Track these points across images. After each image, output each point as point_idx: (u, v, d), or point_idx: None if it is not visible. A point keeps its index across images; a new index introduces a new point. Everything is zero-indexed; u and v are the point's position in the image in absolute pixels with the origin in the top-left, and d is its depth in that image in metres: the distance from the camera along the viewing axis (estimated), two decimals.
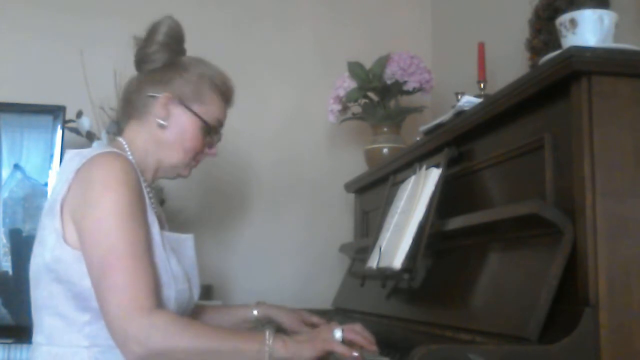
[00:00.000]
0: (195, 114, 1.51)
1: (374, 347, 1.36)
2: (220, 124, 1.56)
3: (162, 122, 1.49)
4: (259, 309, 1.76)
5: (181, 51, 1.58)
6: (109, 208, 1.32)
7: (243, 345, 1.28)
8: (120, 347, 1.27)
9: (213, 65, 1.57)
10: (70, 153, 1.45)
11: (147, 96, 1.51)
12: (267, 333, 1.29)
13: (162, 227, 1.47)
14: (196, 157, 1.55)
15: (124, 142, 1.51)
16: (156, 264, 1.38)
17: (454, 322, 1.41)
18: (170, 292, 1.40)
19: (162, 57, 1.53)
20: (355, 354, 1.29)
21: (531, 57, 1.94)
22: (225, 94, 1.56)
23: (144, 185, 1.44)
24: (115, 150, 1.44)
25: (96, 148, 1.47)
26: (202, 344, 1.27)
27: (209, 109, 1.52)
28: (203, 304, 1.86)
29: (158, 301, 1.32)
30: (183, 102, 1.50)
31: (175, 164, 1.53)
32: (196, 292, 1.53)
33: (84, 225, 1.33)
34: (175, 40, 1.55)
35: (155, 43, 1.53)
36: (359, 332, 1.36)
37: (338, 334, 1.32)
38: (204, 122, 1.51)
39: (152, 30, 1.54)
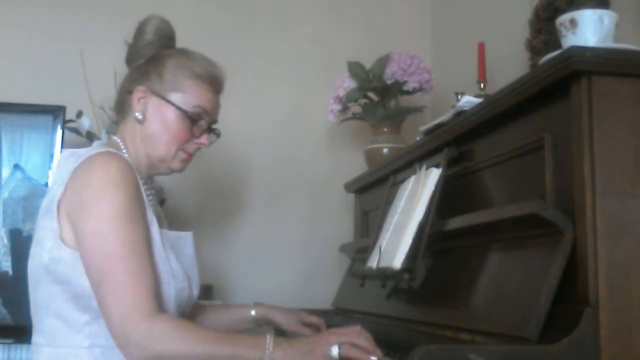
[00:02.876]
0: (171, 102, 1.48)
1: (372, 358, 1.29)
2: (205, 111, 1.51)
3: (138, 115, 1.49)
4: (257, 309, 1.75)
5: (170, 47, 1.57)
6: (106, 211, 1.31)
7: (243, 352, 1.28)
8: (121, 349, 1.28)
9: (197, 54, 1.54)
10: (65, 153, 1.45)
11: (126, 92, 1.52)
12: (268, 339, 1.28)
13: (161, 226, 1.46)
14: (184, 147, 1.51)
15: (119, 141, 1.51)
16: (156, 262, 1.38)
17: (454, 322, 1.41)
18: (170, 291, 1.40)
19: (149, 54, 1.53)
20: None
21: (531, 57, 1.94)
22: (208, 81, 1.52)
23: (140, 183, 1.44)
24: (111, 149, 1.43)
25: (92, 148, 1.47)
26: (202, 349, 1.26)
27: (188, 97, 1.49)
28: (203, 303, 1.86)
29: (158, 304, 1.31)
30: (158, 93, 1.49)
31: (161, 157, 1.50)
32: (196, 290, 1.53)
33: (81, 227, 1.33)
34: (163, 38, 1.55)
35: (142, 41, 1.54)
36: (356, 344, 1.30)
37: (335, 351, 1.28)
38: (182, 110, 1.49)
39: (140, 30, 1.55)
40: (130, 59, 1.56)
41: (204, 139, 1.53)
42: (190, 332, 1.28)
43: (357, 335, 1.31)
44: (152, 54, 1.53)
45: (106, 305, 1.28)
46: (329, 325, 1.71)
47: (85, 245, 1.32)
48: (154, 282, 1.32)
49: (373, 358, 1.28)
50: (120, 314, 1.26)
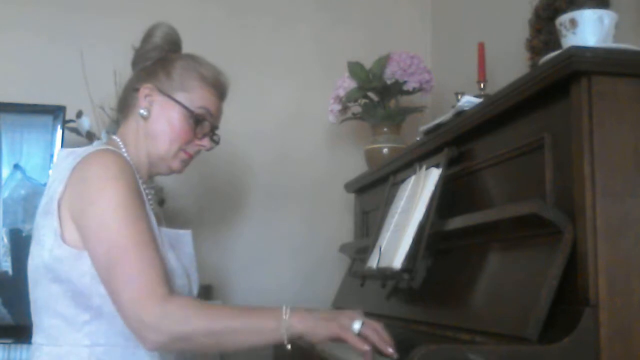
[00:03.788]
0: (177, 101, 1.50)
1: (388, 350, 1.27)
2: (209, 113, 1.53)
3: (143, 112, 1.50)
4: None
5: (176, 52, 1.59)
6: (108, 203, 1.32)
7: (260, 323, 1.28)
8: (138, 337, 1.27)
9: (204, 60, 1.57)
10: (63, 152, 1.46)
11: (132, 90, 1.54)
12: (284, 308, 1.28)
13: (159, 224, 1.47)
14: (185, 147, 1.53)
15: (119, 140, 1.52)
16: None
17: (454, 322, 1.41)
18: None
19: (156, 57, 1.55)
20: (367, 348, 1.25)
21: (531, 57, 1.94)
22: (214, 86, 1.54)
23: (140, 182, 1.45)
24: (109, 147, 1.45)
25: (91, 147, 1.48)
26: (219, 325, 1.27)
27: (193, 97, 1.51)
28: None
29: (170, 287, 1.31)
30: (165, 91, 1.50)
31: (162, 155, 1.51)
32: (195, 288, 1.54)
33: (84, 223, 1.33)
34: (170, 43, 1.57)
35: (150, 44, 1.56)
36: (377, 331, 1.29)
37: (357, 325, 1.28)
38: (187, 109, 1.50)
39: (148, 34, 1.57)
40: (136, 62, 1.58)
41: (205, 141, 1.55)
42: (204, 309, 1.28)
43: (381, 326, 1.32)
44: (160, 57, 1.55)
45: (117, 295, 1.28)
46: None
47: (92, 240, 1.32)
48: (162, 266, 1.33)
49: (390, 350, 1.27)
50: (133, 300, 1.26)
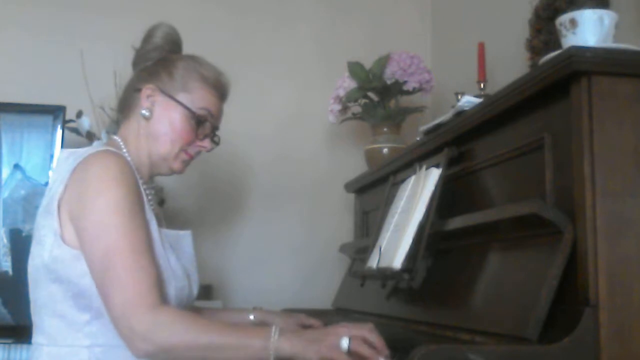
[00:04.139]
0: (179, 102, 1.50)
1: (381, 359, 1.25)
2: (210, 114, 1.54)
3: (145, 112, 1.50)
4: (255, 314, 1.75)
5: (177, 53, 1.59)
6: (106, 205, 1.32)
7: (248, 341, 1.27)
8: (127, 343, 1.27)
9: (205, 61, 1.57)
10: (64, 153, 1.46)
11: (133, 90, 1.54)
12: (273, 329, 1.27)
13: (160, 225, 1.47)
14: (186, 148, 1.53)
15: (120, 140, 1.53)
16: (156, 261, 1.38)
17: (454, 322, 1.41)
18: (170, 290, 1.40)
19: (157, 57, 1.55)
20: None
21: (531, 57, 1.94)
22: (215, 87, 1.55)
23: (140, 182, 1.45)
24: (110, 148, 1.45)
25: (91, 147, 1.48)
26: (207, 339, 1.26)
27: (195, 98, 1.51)
28: (202, 304, 1.86)
29: (162, 296, 1.31)
30: (167, 92, 1.51)
31: (164, 156, 1.52)
32: (195, 288, 1.54)
33: (82, 224, 1.33)
34: (171, 43, 1.57)
35: (150, 44, 1.56)
36: (367, 341, 1.26)
37: (345, 343, 1.24)
38: (189, 110, 1.50)
39: (149, 34, 1.58)
40: (137, 62, 1.59)
41: (206, 142, 1.55)
42: (194, 322, 1.28)
43: (369, 331, 1.28)
44: (161, 57, 1.55)
45: (109, 299, 1.28)
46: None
47: (88, 242, 1.32)
48: (156, 274, 1.32)
49: (382, 359, 1.25)
50: (124, 307, 1.26)
